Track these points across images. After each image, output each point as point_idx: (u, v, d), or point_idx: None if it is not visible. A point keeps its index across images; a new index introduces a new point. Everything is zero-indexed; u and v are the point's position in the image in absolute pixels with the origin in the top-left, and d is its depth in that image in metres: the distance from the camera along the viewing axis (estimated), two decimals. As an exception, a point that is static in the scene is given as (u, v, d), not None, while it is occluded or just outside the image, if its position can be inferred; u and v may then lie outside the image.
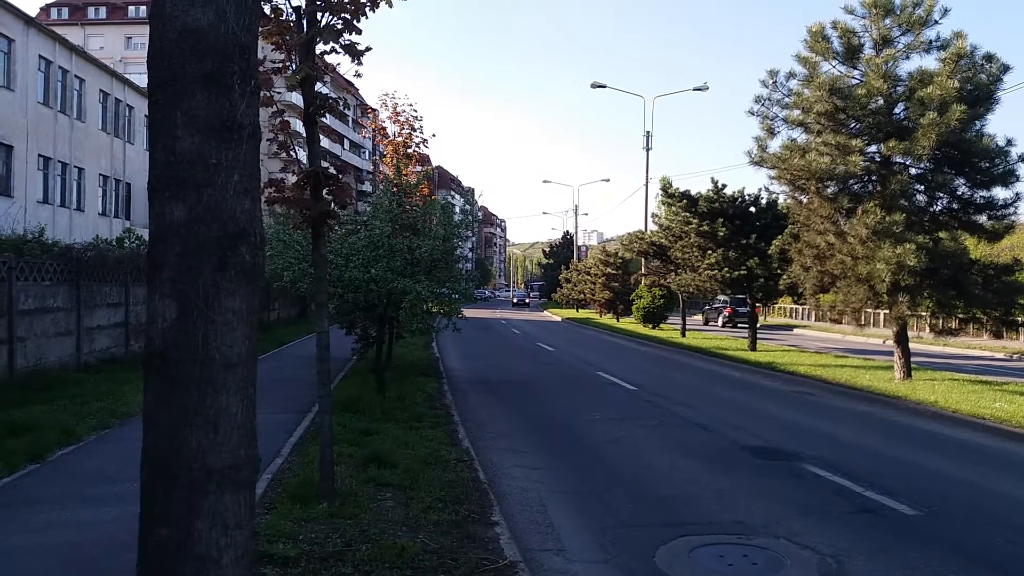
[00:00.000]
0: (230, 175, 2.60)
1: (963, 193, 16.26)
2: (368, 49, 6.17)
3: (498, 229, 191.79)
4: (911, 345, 17.52)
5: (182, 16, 2.56)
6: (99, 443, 8.99)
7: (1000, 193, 15.93)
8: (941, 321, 18.09)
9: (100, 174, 35.19)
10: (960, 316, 17.45)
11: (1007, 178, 15.54)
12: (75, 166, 32.72)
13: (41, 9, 58.27)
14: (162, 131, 2.59)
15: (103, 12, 58.47)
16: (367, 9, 6.07)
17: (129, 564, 2.73)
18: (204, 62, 2.56)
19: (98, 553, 5.41)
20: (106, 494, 6.85)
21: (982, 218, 16.40)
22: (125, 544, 5.21)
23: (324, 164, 6.54)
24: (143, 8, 57.90)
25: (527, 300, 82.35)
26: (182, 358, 2.56)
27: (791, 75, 17.20)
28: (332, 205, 6.35)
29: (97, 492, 6.93)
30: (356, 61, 6.14)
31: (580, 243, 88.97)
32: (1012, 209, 16.03)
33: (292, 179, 6.47)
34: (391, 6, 6.13)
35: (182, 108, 2.56)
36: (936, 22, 15.75)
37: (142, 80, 41.06)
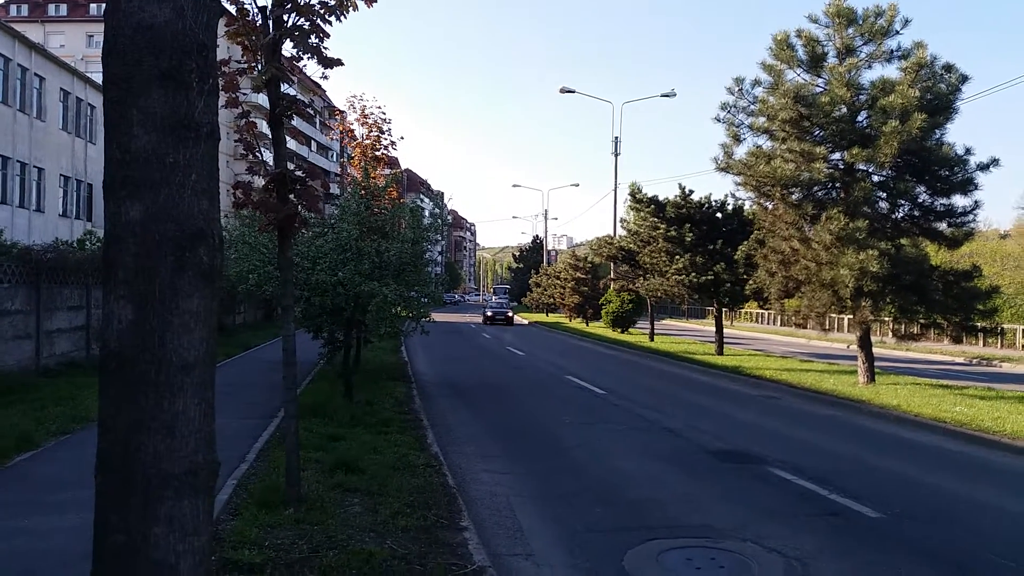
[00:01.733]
0: (187, 174, 2.55)
1: (924, 200, 16.58)
2: (339, 62, 6.11)
3: (468, 233, 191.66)
4: (874, 350, 17.81)
5: (138, 12, 2.51)
6: (58, 449, 8.79)
7: (959, 201, 16.29)
8: (903, 326, 18.38)
9: (61, 174, 34.53)
10: (922, 321, 17.78)
11: (966, 186, 15.87)
12: (35, 166, 32.07)
13: (0, 6, 57.08)
14: (118, 129, 2.54)
15: (64, 9, 57.46)
16: (337, 12, 6.02)
17: (88, 573, 2.66)
18: (161, 59, 2.51)
19: (57, 560, 5.28)
20: (65, 501, 6.69)
21: (942, 225, 16.74)
22: (84, 553, 5.09)
23: (291, 166, 6.47)
24: (104, 6, 56.94)
25: (509, 314, 51.08)
26: (138, 360, 2.51)
27: (757, 83, 17.42)
28: (299, 208, 6.27)
29: (56, 499, 6.77)
30: (326, 69, 6.07)
31: (550, 247, 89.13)
32: (971, 216, 16.40)
33: (260, 182, 6.38)
34: (356, 9, 6.07)
35: (138, 106, 2.51)
36: (897, 32, 16.07)
37: (105, 79, 40.43)
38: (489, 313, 48.73)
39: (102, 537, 2.56)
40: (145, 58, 2.51)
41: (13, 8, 57.14)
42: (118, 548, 2.51)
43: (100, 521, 2.57)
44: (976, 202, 16.14)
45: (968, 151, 15.81)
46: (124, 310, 2.51)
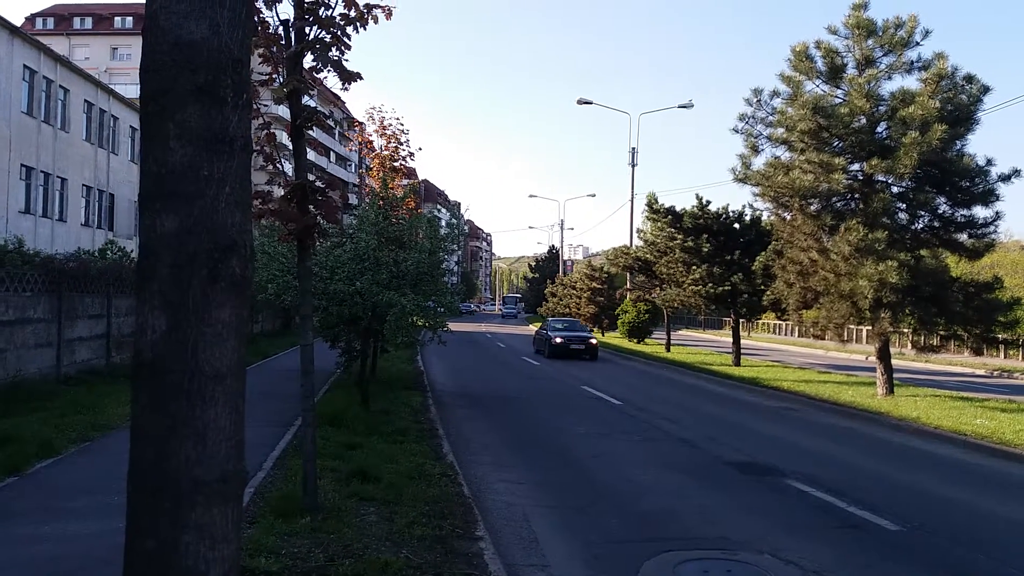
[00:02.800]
0: (221, 187, 2.60)
1: (944, 211, 16.46)
2: (359, 76, 6.18)
3: (484, 243, 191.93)
4: (893, 361, 17.67)
5: (176, 29, 2.56)
6: (79, 456, 8.88)
7: (980, 212, 16.17)
8: (923, 338, 18.27)
9: (83, 184, 34.97)
10: (942, 333, 17.64)
11: (987, 197, 15.75)
12: (58, 176, 32.50)
13: (27, 19, 58.00)
14: (154, 143, 2.59)
15: (89, 23, 58.30)
16: (357, 25, 6.09)
17: (111, 578, 2.70)
18: (197, 75, 2.57)
19: (77, 566, 5.34)
20: (86, 507, 6.76)
21: (963, 236, 16.60)
22: (104, 559, 5.17)
23: (311, 177, 6.53)
24: (129, 19, 57.77)
25: (517, 314, 77.31)
26: (171, 369, 2.55)
27: (775, 94, 17.40)
28: (319, 219, 6.33)
29: (77, 506, 6.84)
30: (346, 83, 6.14)
31: (566, 257, 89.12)
32: (992, 228, 16.26)
33: (279, 192, 6.45)
34: (376, 22, 6.14)
35: (174, 120, 2.56)
36: (918, 43, 16.00)
37: (127, 91, 40.95)
38: (503, 313, 64.26)
39: (133, 543, 2.59)
40: (182, 74, 2.56)
41: (39, 21, 58.06)
42: (149, 554, 2.54)
43: (132, 527, 2.61)
44: (997, 213, 16.03)
45: (989, 162, 15.71)
46: (158, 320, 2.55)
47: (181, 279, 2.55)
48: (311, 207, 6.25)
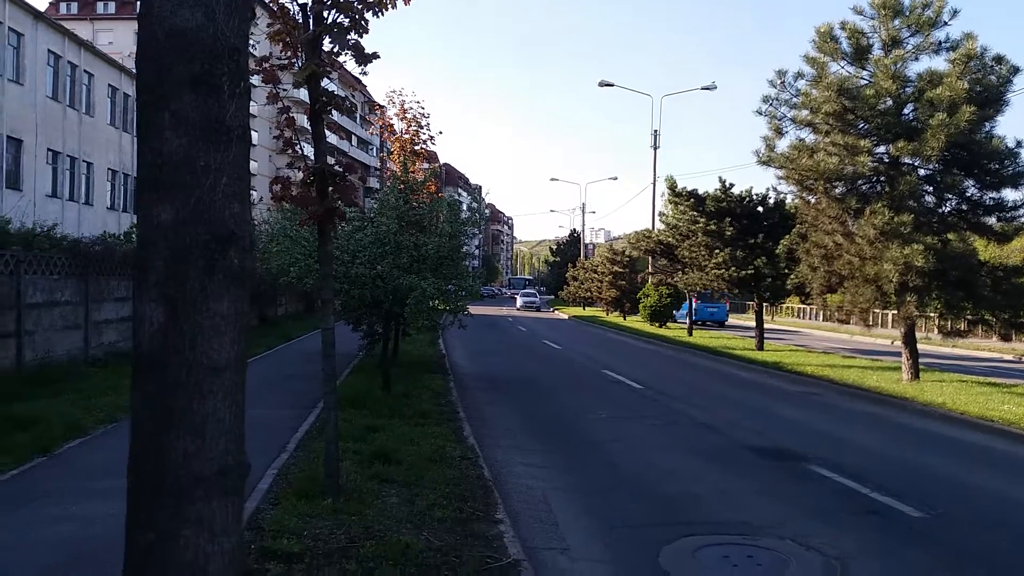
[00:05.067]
0: (219, 178, 2.57)
1: (972, 194, 16.18)
2: (375, 56, 6.15)
3: (505, 227, 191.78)
4: (919, 346, 17.46)
5: (171, 17, 2.53)
6: (106, 437, 9.02)
7: (1010, 195, 15.88)
8: (950, 322, 18.02)
9: (108, 168, 35.34)
10: (969, 318, 17.40)
11: (1017, 180, 15.46)
12: (84, 160, 32.87)
13: (51, 4, 58.45)
14: (150, 132, 2.56)
15: (112, 7, 58.60)
16: (376, 9, 6.06)
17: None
18: (193, 64, 2.54)
19: (102, 546, 5.42)
20: (112, 488, 6.82)
21: (991, 220, 16.32)
22: (130, 538, 5.26)
23: (331, 161, 6.54)
24: (138, 11, 57.87)
25: (539, 306, 60.85)
26: (169, 362, 2.54)
27: (799, 75, 17.15)
28: (338, 203, 6.34)
29: (103, 486, 6.94)
30: (362, 67, 6.12)
31: (587, 241, 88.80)
32: (1022, 211, 15.96)
33: (299, 176, 6.47)
34: (395, 7, 6.12)
35: (170, 109, 2.53)
36: (945, 23, 15.68)
37: (151, 75, 41.17)
38: (521, 304, 59.17)
39: (133, 536, 2.60)
40: (177, 62, 2.53)
41: (63, 6, 58.45)
42: (148, 547, 2.54)
43: (131, 520, 2.61)
44: (1028, 196, 15.72)
45: (1020, 144, 15.40)
46: (155, 312, 2.54)
47: (178, 271, 2.53)
48: (330, 191, 6.26)
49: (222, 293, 2.58)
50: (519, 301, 60.70)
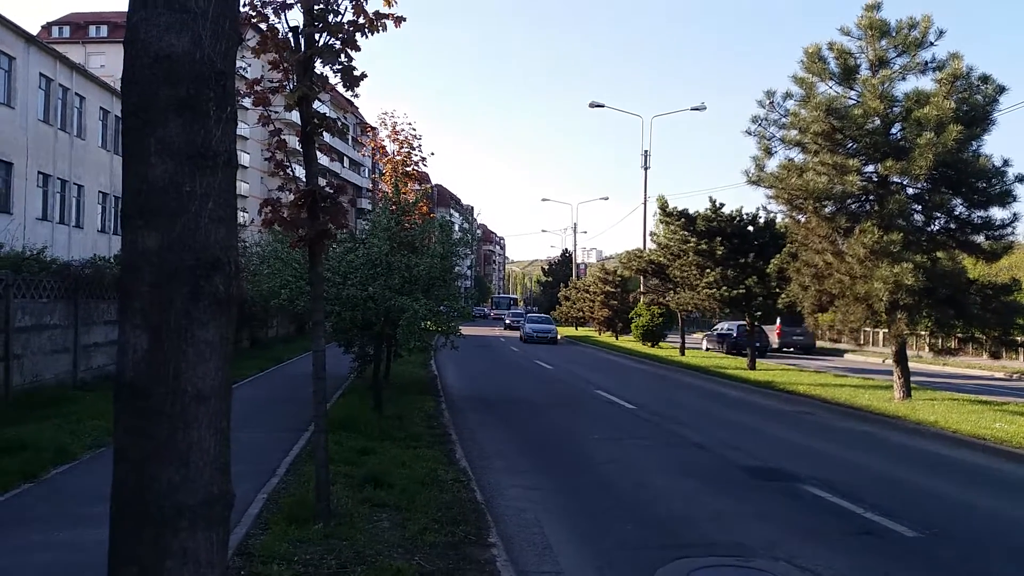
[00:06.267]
0: (204, 203, 2.55)
1: (960, 213, 16.30)
2: (364, 76, 6.18)
3: (497, 247, 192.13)
4: (911, 364, 17.50)
5: (156, 42, 2.52)
6: (94, 462, 8.92)
7: (997, 213, 15.98)
8: (940, 340, 18.02)
9: (99, 191, 35.28)
10: (959, 336, 17.43)
11: (1004, 198, 15.58)
12: (75, 183, 32.81)
13: (43, 27, 58.58)
14: (135, 158, 2.54)
15: (105, 31, 58.75)
16: (366, 31, 6.10)
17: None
18: (179, 88, 2.52)
19: (90, 574, 5.35)
20: (100, 514, 6.73)
21: (980, 238, 16.42)
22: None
23: (322, 182, 6.54)
24: (124, 36, 58.04)
25: (552, 333, 43.52)
26: (153, 390, 2.50)
27: (788, 95, 17.30)
28: (329, 225, 6.33)
29: (90, 512, 6.85)
30: (351, 89, 6.14)
31: (579, 261, 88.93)
32: (1010, 229, 16.07)
33: (290, 198, 6.46)
34: (385, 30, 6.15)
35: (156, 135, 2.51)
36: (932, 43, 15.87)
37: (143, 98, 41.23)
38: (525, 334, 43.36)
39: (115, 568, 2.54)
40: (163, 87, 2.51)
41: (55, 30, 58.58)
42: None
43: (113, 552, 2.55)
44: (1015, 214, 15.82)
45: (1006, 162, 15.56)
46: (139, 339, 2.50)
47: (163, 297, 2.50)
48: (321, 213, 6.25)
49: (207, 320, 2.54)
50: (525, 328, 44.24)
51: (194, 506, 2.52)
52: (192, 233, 2.53)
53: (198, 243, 2.53)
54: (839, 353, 36.34)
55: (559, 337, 39.40)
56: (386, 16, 6.23)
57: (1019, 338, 16.75)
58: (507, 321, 61.74)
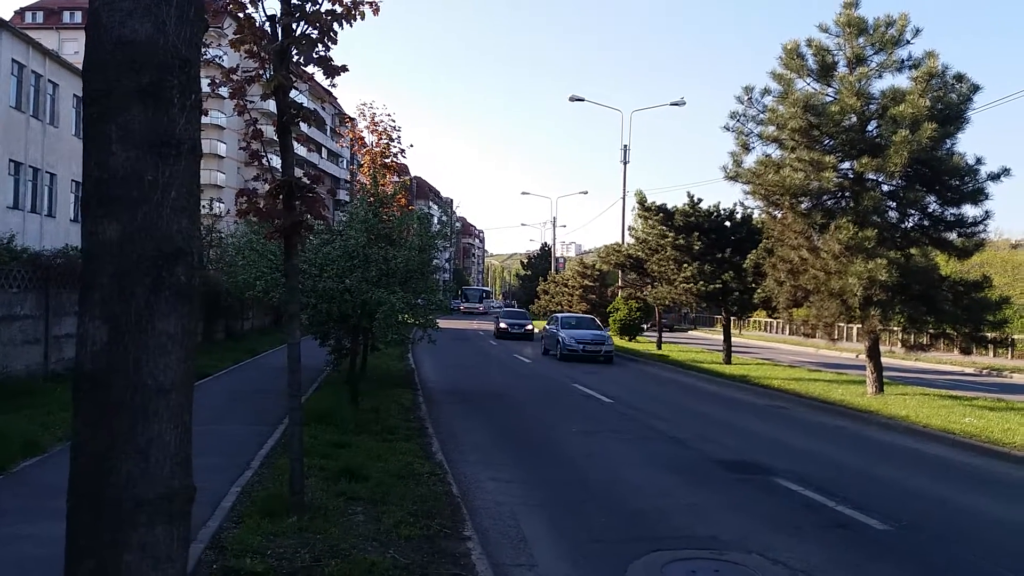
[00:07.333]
0: (166, 192, 2.50)
1: (934, 210, 16.49)
2: (344, 69, 6.13)
3: (476, 240, 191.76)
4: (883, 360, 17.70)
5: (118, 27, 2.46)
6: (64, 455, 8.72)
7: (970, 211, 16.17)
8: (912, 336, 18.30)
9: (72, 180, 34.69)
10: (931, 332, 17.67)
11: (976, 196, 15.77)
12: (47, 171, 32.26)
13: (16, 13, 57.52)
14: (96, 146, 2.49)
15: (79, 16, 57.75)
16: (344, 20, 6.03)
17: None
18: (141, 75, 2.46)
19: (57, 568, 5.28)
20: (70, 507, 6.69)
21: (952, 235, 16.62)
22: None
23: (299, 173, 6.48)
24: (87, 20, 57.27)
25: (527, 327, 41.38)
26: (112, 383, 2.45)
27: (766, 92, 17.39)
28: (305, 215, 6.27)
29: (59, 505, 6.72)
30: (331, 79, 6.08)
31: (558, 255, 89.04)
32: (981, 227, 16.26)
33: (265, 188, 6.40)
34: (363, 18, 6.09)
35: (117, 122, 2.45)
36: (908, 42, 16.01)
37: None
38: (503, 325, 41.62)
39: (73, 563, 2.50)
40: (125, 74, 2.45)
41: (29, 15, 57.58)
42: (88, 575, 2.46)
43: (71, 546, 2.51)
44: (987, 212, 16.01)
45: (979, 161, 15.72)
46: (99, 331, 2.45)
47: (123, 288, 2.45)
48: (297, 203, 6.19)
49: (169, 311, 2.50)
50: (500, 323, 42.09)
51: (154, 500, 2.48)
52: (154, 223, 2.48)
53: (160, 233, 2.48)
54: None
55: (536, 331, 39.15)
56: (364, 2, 6.16)
57: (989, 334, 17.02)
58: (502, 325, 42.16)
